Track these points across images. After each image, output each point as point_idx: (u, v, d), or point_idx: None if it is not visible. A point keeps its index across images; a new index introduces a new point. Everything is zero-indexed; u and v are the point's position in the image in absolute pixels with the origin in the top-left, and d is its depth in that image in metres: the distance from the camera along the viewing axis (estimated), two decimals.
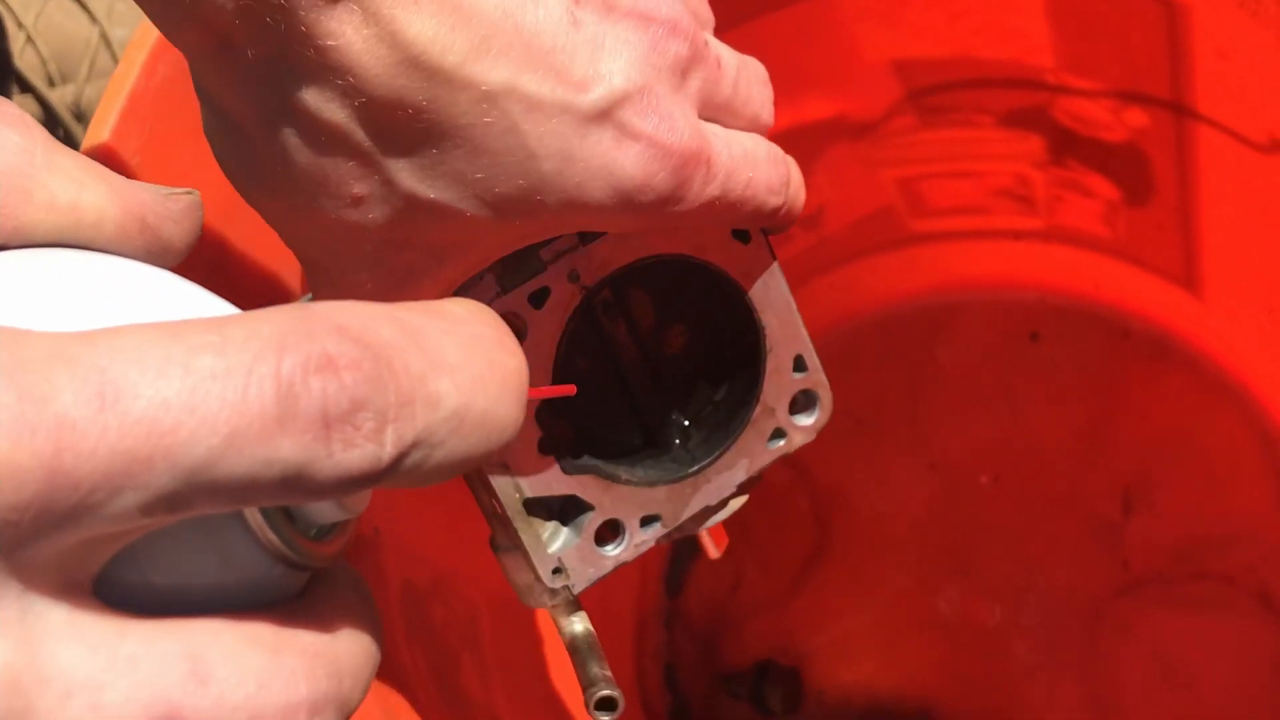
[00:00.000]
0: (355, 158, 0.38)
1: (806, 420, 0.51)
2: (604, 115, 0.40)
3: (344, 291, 0.42)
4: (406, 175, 0.39)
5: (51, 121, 0.94)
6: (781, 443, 0.51)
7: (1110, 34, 0.62)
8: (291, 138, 0.38)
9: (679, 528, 0.50)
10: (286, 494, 0.23)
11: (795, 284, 0.75)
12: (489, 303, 0.45)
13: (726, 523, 0.54)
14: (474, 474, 0.48)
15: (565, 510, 0.49)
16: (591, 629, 0.50)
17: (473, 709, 0.65)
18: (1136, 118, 0.67)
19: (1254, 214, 0.67)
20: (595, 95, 0.39)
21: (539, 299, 0.46)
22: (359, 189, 0.39)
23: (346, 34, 0.36)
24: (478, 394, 0.25)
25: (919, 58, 0.70)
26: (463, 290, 0.45)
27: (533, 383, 0.46)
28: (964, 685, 0.81)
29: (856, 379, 0.86)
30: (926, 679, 0.81)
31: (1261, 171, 0.62)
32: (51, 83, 0.93)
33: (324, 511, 0.26)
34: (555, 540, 0.49)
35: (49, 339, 0.22)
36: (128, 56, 0.51)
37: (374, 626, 0.27)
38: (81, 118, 0.94)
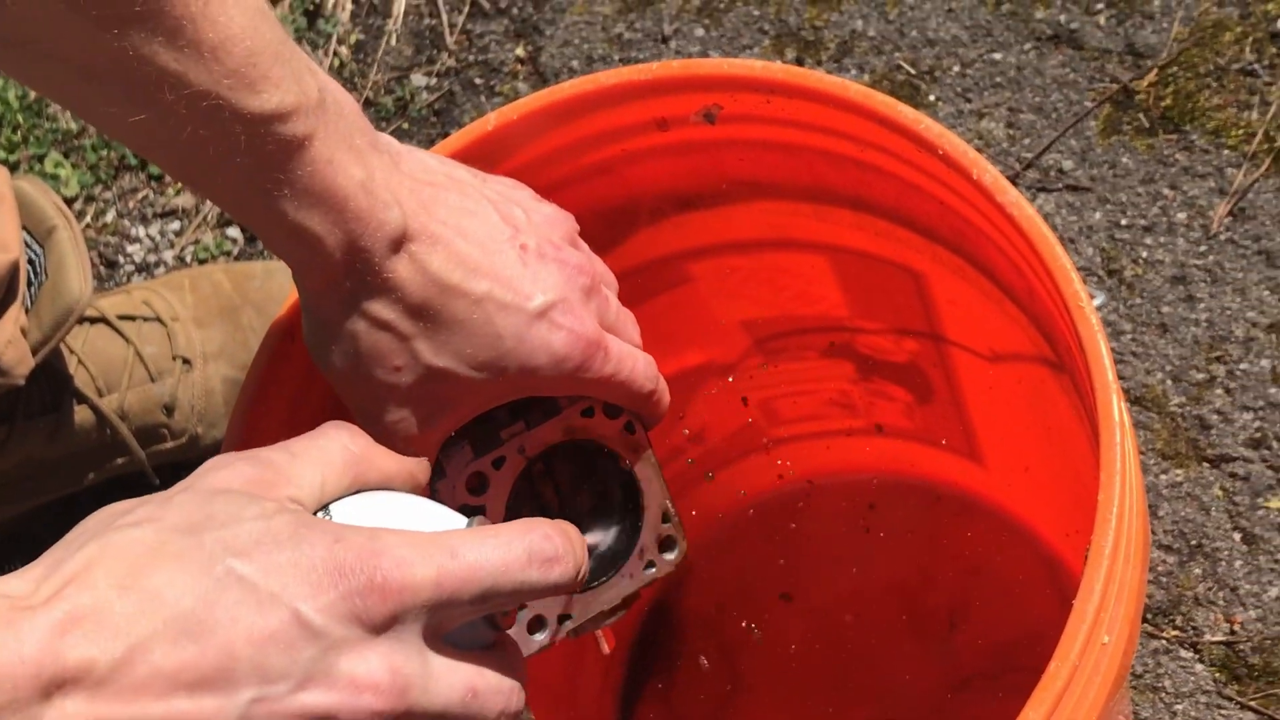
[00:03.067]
0: (398, 340, 0.66)
1: (670, 555, 0.76)
2: (542, 314, 0.68)
3: (384, 428, 0.69)
4: (427, 351, 0.67)
5: (101, 423, 1.18)
6: (654, 569, 0.76)
7: (880, 293, 0.91)
8: (361, 328, 0.66)
9: (583, 625, 0.74)
10: (530, 595, 0.53)
11: (688, 485, 1.05)
12: (465, 465, 0.72)
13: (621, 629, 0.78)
14: None
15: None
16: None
17: None
18: (910, 345, 0.95)
19: (996, 403, 0.95)
20: (536, 302, 0.68)
21: (499, 464, 0.72)
22: (398, 361, 0.67)
23: (398, 269, 0.65)
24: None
25: (759, 318, 0.97)
26: (448, 449, 0.72)
27: (490, 515, 0.73)
28: None
29: (742, 551, 1.12)
30: None
31: (992, 374, 0.91)
32: (101, 393, 1.18)
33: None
34: None
35: (420, 535, 0.51)
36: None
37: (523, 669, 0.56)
38: (125, 418, 1.19)
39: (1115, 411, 0.66)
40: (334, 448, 0.56)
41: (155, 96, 0.58)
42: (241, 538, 0.50)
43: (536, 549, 0.53)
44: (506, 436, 0.72)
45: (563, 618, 0.73)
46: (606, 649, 0.82)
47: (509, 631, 0.71)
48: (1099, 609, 0.64)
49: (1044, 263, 0.69)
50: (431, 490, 0.71)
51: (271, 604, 0.49)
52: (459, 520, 0.57)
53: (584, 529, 0.75)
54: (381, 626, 0.50)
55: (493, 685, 0.54)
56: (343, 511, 0.55)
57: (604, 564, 0.75)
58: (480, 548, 0.52)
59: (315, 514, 0.54)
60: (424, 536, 0.52)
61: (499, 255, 0.67)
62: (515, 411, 0.72)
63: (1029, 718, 0.63)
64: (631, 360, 0.71)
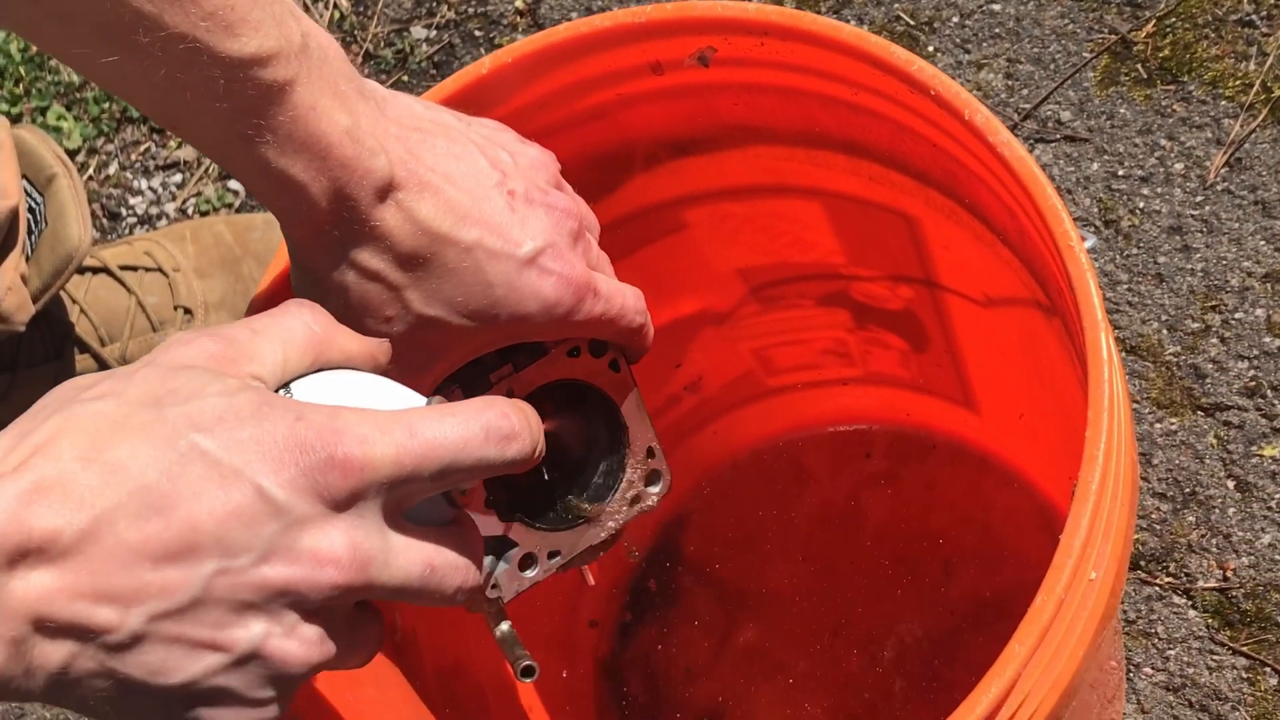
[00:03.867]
0: (388, 290, 0.66)
1: (654, 489, 0.76)
2: (531, 260, 0.66)
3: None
4: (417, 301, 0.66)
5: (104, 369, 1.19)
6: (639, 504, 0.76)
7: (875, 239, 0.91)
8: (351, 278, 0.66)
9: (571, 561, 0.75)
10: (489, 471, 0.54)
11: (685, 435, 1.05)
12: None
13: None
14: None
15: (500, 547, 0.73)
16: (513, 627, 0.74)
17: None
18: (905, 292, 0.96)
19: (990, 350, 0.96)
20: (525, 249, 0.66)
21: None
22: (389, 311, 0.67)
23: (386, 217, 0.65)
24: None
25: (754, 265, 0.98)
26: (437, 393, 0.71)
27: None
28: (846, 715, 1.07)
29: (739, 501, 1.13)
30: (817, 714, 1.07)
31: (986, 320, 0.92)
32: (103, 343, 1.19)
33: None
34: (493, 567, 0.73)
35: (380, 413, 0.52)
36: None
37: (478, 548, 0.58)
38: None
39: (1104, 349, 0.66)
40: (296, 325, 0.57)
41: (130, 38, 0.57)
42: (205, 413, 0.50)
43: (494, 426, 0.54)
44: (495, 379, 0.72)
45: (552, 554, 0.74)
46: (591, 581, 0.82)
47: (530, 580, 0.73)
48: (1085, 544, 0.65)
49: (1034, 202, 0.69)
50: None
51: (234, 479, 0.49)
52: (418, 400, 0.58)
53: (570, 467, 0.76)
54: (343, 503, 0.51)
55: (451, 561, 0.55)
56: (304, 389, 0.56)
57: (590, 500, 0.75)
58: (439, 425, 0.53)
59: (276, 391, 0.55)
60: (383, 414, 0.53)
61: (487, 202, 0.67)
62: (503, 354, 0.72)
63: (1015, 651, 0.63)
64: (621, 297, 0.71)
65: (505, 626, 0.73)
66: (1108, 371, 0.66)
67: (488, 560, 0.73)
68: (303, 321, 0.57)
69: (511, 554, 0.73)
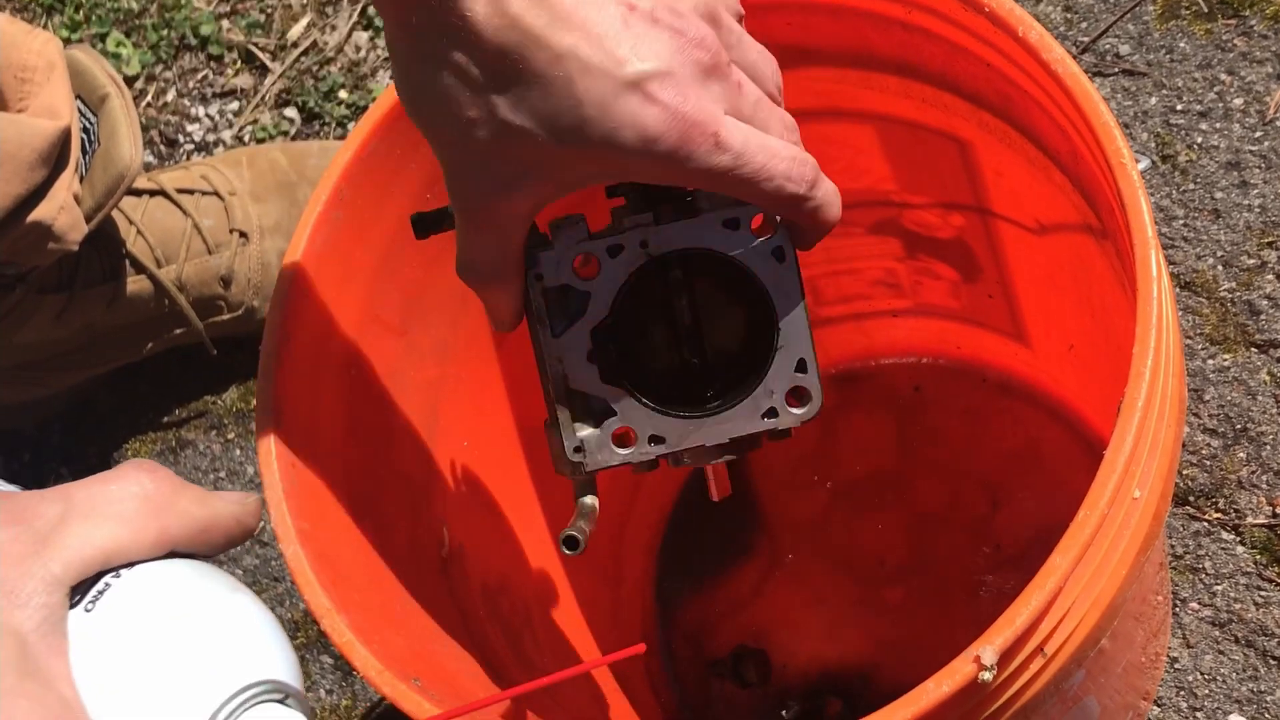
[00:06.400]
0: (471, 88, 0.57)
1: (798, 410, 0.66)
2: (635, 85, 0.57)
3: (468, 184, 0.61)
4: (502, 106, 0.57)
5: (159, 293, 1.20)
6: (773, 420, 0.66)
7: (927, 165, 0.91)
8: (435, 72, 0.57)
9: (676, 455, 0.66)
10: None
11: None
12: (578, 242, 0.64)
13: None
14: (544, 369, 0.66)
15: (599, 412, 0.66)
16: (596, 503, 0.67)
17: (534, 668, 0.92)
18: (957, 220, 0.95)
19: (1040, 277, 0.95)
20: (629, 69, 0.56)
21: (614, 251, 0.64)
22: (472, 112, 0.58)
23: (476, 7, 0.55)
24: None
25: None
26: (560, 224, 0.64)
27: (591, 311, 0.65)
28: (885, 648, 1.06)
29: None
30: (858, 648, 1.07)
31: (1038, 247, 0.91)
32: (159, 264, 1.20)
33: None
34: (584, 429, 0.66)
35: None
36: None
37: None
38: (183, 289, 1.21)
39: (1153, 265, 0.66)
40: (125, 496, 0.50)
41: None
42: None
43: None
44: (629, 225, 0.64)
45: (655, 439, 0.66)
46: (715, 496, 0.72)
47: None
48: (1130, 460, 0.65)
49: (1086, 119, 0.69)
50: (531, 260, 0.65)
51: None
52: (241, 677, 0.52)
53: (703, 351, 0.67)
54: None
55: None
56: (116, 596, 0.49)
57: (716, 395, 0.67)
58: None
59: (99, 581, 0.49)
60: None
61: (595, 7, 0.57)
62: (650, 201, 0.65)
63: (1056, 563, 0.63)
64: (765, 154, 0.60)
65: (590, 500, 0.67)
66: (1156, 289, 0.65)
67: (582, 422, 0.67)
68: (136, 490, 0.50)
69: (608, 422, 0.66)
